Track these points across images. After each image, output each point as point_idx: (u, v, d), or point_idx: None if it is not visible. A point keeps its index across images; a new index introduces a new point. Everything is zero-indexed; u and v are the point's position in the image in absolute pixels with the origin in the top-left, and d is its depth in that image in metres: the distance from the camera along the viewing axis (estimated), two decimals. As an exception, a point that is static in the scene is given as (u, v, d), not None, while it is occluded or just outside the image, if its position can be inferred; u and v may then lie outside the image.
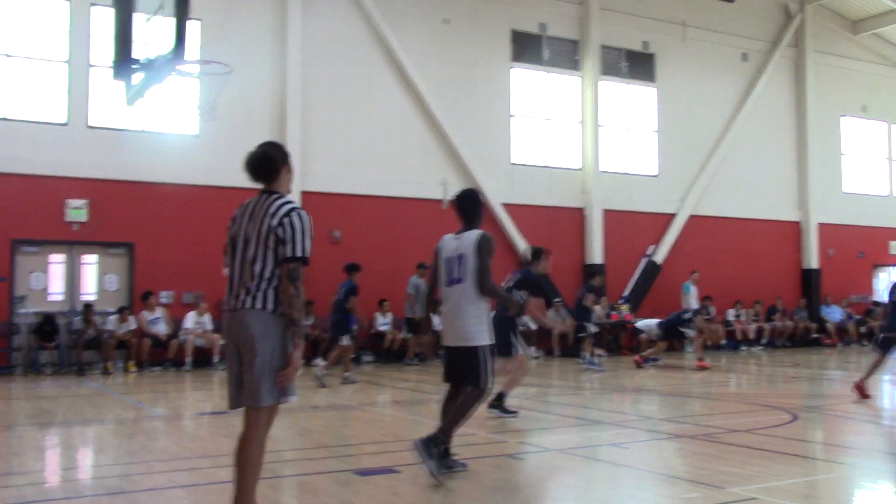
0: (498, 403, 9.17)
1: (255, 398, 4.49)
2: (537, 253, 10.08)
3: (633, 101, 22.12)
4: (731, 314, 22.03)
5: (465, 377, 6.31)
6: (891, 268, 26.01)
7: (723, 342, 21.55)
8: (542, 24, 20.85)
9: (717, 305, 21.95)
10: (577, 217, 20.96)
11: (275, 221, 4.52)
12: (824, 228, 24.20)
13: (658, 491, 6.16)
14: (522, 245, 19.94)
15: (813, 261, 23.95)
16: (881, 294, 25.65)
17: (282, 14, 17.87)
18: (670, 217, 22.03)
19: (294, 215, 4.54)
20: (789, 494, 5.82)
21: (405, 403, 11.56)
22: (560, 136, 21.13)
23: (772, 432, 8.35)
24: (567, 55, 21.25)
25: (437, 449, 6.02)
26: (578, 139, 21.19)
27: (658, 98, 22.32)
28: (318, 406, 10.83)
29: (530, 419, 9.41)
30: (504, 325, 8.84)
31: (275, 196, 4.66)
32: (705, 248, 22.32)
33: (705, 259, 21.99)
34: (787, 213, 23.98)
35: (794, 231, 24.05)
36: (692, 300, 20.52)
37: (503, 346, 8.81)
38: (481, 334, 6.27)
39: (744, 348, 21.50)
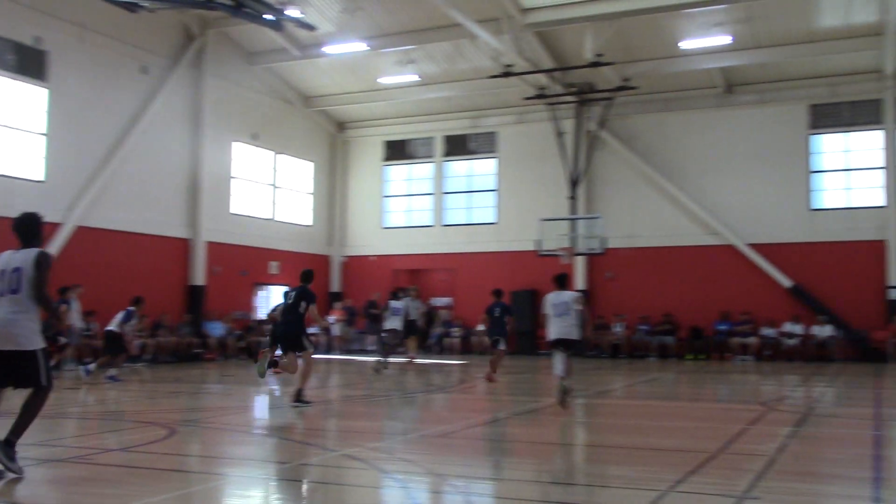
0: (299, 398, 11.53)
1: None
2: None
3: (19, 99, 20.31)
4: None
5: (23, 380, 6.70)
6: (270, 286, 28.00)
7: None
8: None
9: (101, 320, 21.21)
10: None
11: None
12: (212, 247, 25.06)
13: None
14: None
15: (199, 277, 24.60)
16: (261, 311, 27.47)
17: None
18: (56, 226, 20.69)
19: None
20: (162, 511, 5.69)
21: None
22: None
23: (148, 449, 8.18)
24: (-58, 35, 18.68)
25: (12, 451, 6.55)
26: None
27: (50, 99, 20.86)
28: None
29: None
30: (299, 327, 11.83)
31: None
32: (93, 262, 21.43)
33: (93, 273, 21.09)
34: (178, 230, 24.28)
35: (183, 248, 24.45)
36: (74, 315, 19.49)
37: (297, 345, 11.86)
38: (37, 339, 6.70)
39: (126, 365, 21.06)
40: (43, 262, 6.69)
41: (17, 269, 6.66)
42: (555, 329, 11.85)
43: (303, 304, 11.91)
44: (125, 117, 22.60)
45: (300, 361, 11.95)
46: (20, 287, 6.63)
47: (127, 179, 22.60)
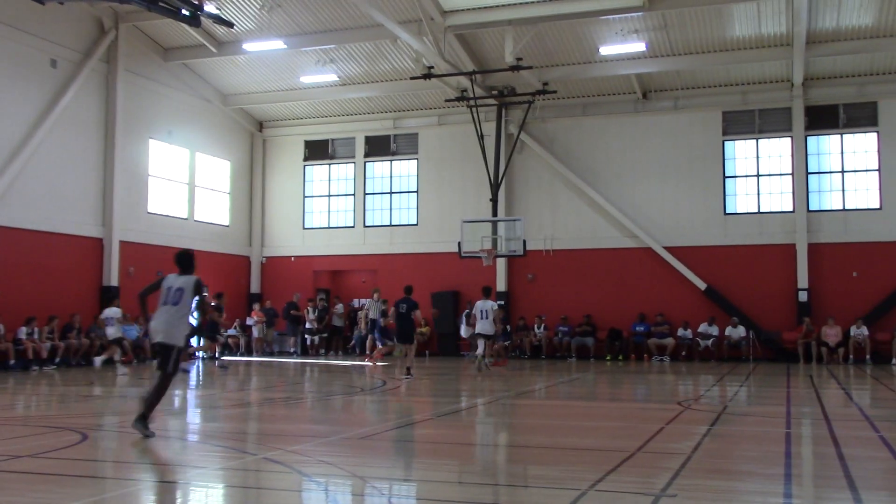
0: (408, 372, 17.61)
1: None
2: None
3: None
4: (23, 332, 20.71)
5: (164, 364, 9.20)
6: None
7: (12, 362, 20.14)
8: None
9: (8, 322, 20.48)
10: None
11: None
12: (126, 246, 24.40)
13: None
14: None
15: (113, 278, 23.92)
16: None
17: None
18: (-41, 224, 19.89)
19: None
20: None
21: None
22: None
23: (59, 454, 7.90)
24: None
25: (146, 422, 9.00)
26: None
27: (-47, 91, 20.05)
28: None
29: None
30: (412, 327, 18.31)
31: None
32: (-1, 262, 20.69)
33: (-2, 273, 20.37)
34: (90, 230, 23.55)
35: (96, 247, 23.73)
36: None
37: (410, 339, 18.30)
38: (181, 339, 9.34)
39: (35, 368, 20.36)
40: (199, 286, 9.36)
41: (179, 289, 9.26)
42: (479, 326, 19.77)
43: (414, 312, 18.01)
44: (33, 112, 21.85)
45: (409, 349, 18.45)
46: (180, 301, 9.22)
47: (35, 176, 21.86)
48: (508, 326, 25.62)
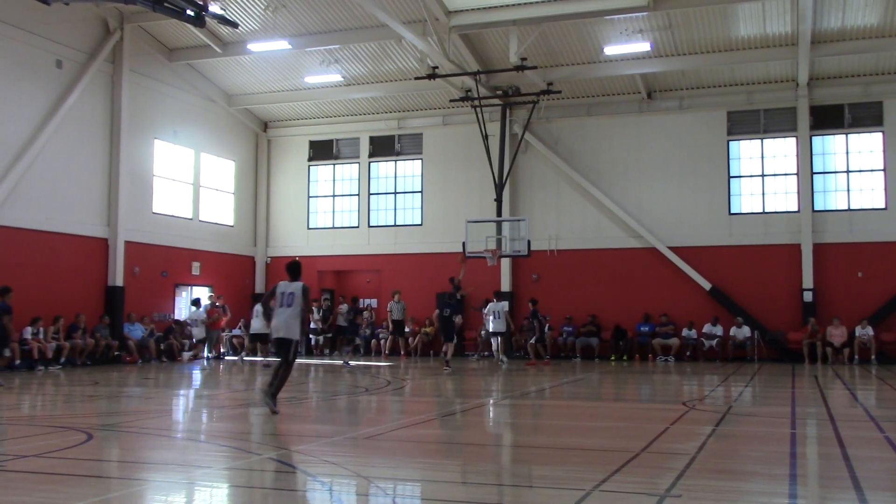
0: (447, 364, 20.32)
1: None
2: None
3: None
4: (28, 332, 20.75)
5: (283, 355, 11.26)
6: (192, 287, 27.44)
7: (17, 362, 20.17)
8: None
9: (13, 322, 20.50)
10: None
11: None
12: (131, 246, 24.44)
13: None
14: None
15: (118, 278, 23.97)
16: (181, 312, 26.89)
17: None
18: (-35, 224, 19.92)
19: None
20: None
21: None
22: None
23: (64, 454, 7.91)
24: None
25: (275, 399, 11.08)
26: None
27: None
28: None
29: None
30: (454, 326, 21.48)
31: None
32: (4, 262, 20.70)
33: (3, 273, 20.38)
34: (95, 230, 23.61)
35: (101, 247, 23.78)
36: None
37: (451, 336, 20.95)
38: (297, 333, 11.19)
39: (40, 368, 20.40)
40: (306, 291, 11.32)
41: (291, 293, 11.22)
42: (493, 326, 22.59)
43: (455, 315, 21.46)
44: (38, 112, 21.90)
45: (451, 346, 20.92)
46: (293, 303, 11.17)
47: (40, 177, 21.91)
48: (546, 323, 25.04)
